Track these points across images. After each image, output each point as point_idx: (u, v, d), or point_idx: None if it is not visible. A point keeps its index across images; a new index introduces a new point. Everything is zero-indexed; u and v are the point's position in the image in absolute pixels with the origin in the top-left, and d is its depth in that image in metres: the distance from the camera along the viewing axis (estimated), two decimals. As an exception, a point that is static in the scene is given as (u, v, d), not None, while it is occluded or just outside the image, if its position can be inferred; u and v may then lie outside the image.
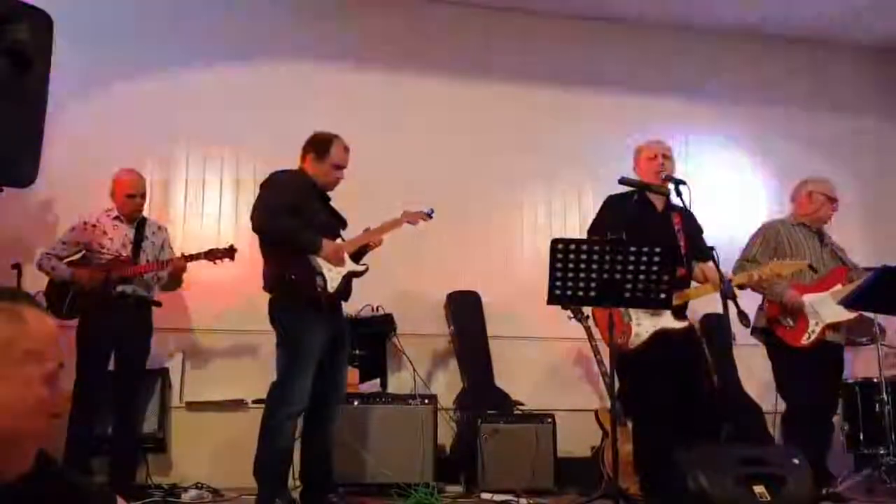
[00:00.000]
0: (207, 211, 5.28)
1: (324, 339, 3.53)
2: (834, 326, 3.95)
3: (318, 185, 3.73)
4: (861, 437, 4.72)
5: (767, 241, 4.14)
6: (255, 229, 3.57)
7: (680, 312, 3.67)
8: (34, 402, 1.01)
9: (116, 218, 4.31)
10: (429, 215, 3.93)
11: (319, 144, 3.72)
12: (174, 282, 4.36)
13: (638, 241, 3.08)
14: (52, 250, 4.25)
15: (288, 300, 3.54)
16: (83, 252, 4.26)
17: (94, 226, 4.27)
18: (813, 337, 3.90)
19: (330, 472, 3.69)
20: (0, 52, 2.51)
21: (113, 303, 4.12)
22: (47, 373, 1.04)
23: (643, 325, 3.62)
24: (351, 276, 3.66)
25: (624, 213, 3.70)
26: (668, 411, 3.54)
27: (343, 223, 3.82)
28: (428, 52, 5.75)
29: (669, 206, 3.81)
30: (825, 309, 3.92)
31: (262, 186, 3.65)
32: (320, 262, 3.54)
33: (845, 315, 3.92)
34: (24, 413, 1.00)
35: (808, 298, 3.95)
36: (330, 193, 3.82)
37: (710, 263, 3.52)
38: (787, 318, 3.95)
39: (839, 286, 3.97)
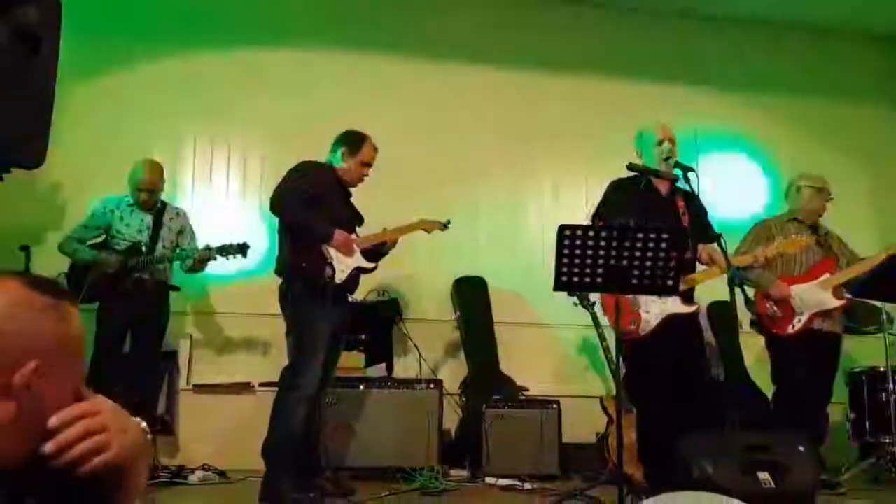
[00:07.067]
0: (215, 198, 5.28)
1: (331, 326, 3.56)
2: (822, 315, 3.98)
3: (342, 181, 3.80)
4: (867, 426, 4.71)
5: (758, 237, 4.15)
6: (271, 209, 3.63)
7: (688, 297, 3.67)
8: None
9: (134, 204, 4.34)
10: (445, 226, 4.07)
11: (353, 140, 3.81)
12: (197, 269, 4.35)
13: (645, 227, 3.06)
14: (74, 233, 4.31)
15: (298, 286, 3.57)
16: (104, 236, 4.30)
17: (112, 211, 4.31)
18: (799, 326, 3.95)
19: (318, 454, 3.73)
20: (8, 32, 2.50)
21: (131, 287, 4.16)
22: (81, 373, 1.04)
23: (652, 311, 3.61)
24: (359, 270, 3.72)
25: (629, 198, 3.69)
26: (673, 399, 3.54)
27: (360, 220, 3.88)
28: (434, 43, 5.71)
29: (674, 189, 3.78)
30: (811, 298, 3.97)
31: (289, 171, 3.70)
32: (332, 252, 3.59)
33: (832, 303, 3.98)
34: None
35: (795, 289, 3.98)
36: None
37: (716, 246, 3.50)
38: (774, 308, 3.97)
39: (827, 275, 4.03)
